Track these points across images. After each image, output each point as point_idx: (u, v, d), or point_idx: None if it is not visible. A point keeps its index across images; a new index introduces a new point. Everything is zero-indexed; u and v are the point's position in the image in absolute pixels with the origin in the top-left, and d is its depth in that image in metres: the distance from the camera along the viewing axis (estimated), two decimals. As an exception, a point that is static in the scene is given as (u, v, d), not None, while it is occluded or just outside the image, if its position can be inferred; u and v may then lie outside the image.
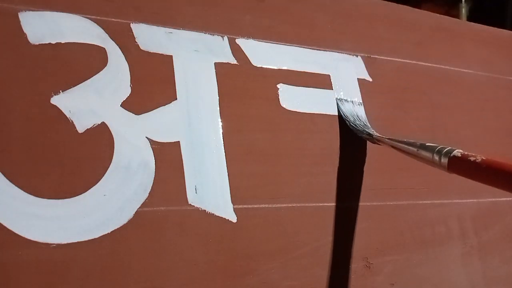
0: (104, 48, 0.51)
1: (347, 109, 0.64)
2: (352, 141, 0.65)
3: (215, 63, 0.57)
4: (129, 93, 0.51)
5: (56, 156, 0.46)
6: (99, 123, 0.49)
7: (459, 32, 0.82)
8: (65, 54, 0.48)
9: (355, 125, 0.63)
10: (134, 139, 0.50)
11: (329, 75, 0.65)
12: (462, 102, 0.77)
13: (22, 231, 0.43)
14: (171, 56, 0.54)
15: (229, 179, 0.54)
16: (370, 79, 0.69)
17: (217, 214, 0.53)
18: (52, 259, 0.44)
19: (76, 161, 0.47)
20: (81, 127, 0.48)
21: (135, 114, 0.51)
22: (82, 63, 0.49)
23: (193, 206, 0.51)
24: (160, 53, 0.54)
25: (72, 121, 0.47)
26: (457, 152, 0.52)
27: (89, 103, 0.48)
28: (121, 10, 0.53)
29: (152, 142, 0.51)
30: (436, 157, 0.53)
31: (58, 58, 0.48)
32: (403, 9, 0.76)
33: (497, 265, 0.73)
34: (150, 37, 0.53)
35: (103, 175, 0.48)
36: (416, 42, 0.76)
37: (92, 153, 0.48)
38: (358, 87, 0.67)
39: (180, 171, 0.52)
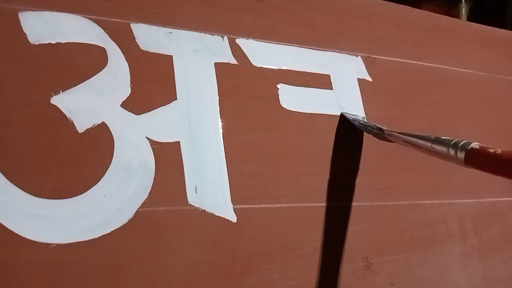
0: (104, 48, 0.51)
1: (353, 117, 0.64)
2: (351, 140, 0.65)
3: (215, 63, 0.57)
4: (129, 93, 0.51)
5: (56, 156, 0.46)
6: (99, 123, 0.49)
7: (459, 32, 0.82)
8: (65, 54, 0.48)
9: (364, 122, 0.63)
10: (134, 139, 0.50)
11: (329, 75, 0.65)
12: (462, 102, 0.77)
13: (22, 231, 0.43)
14: (171, 56, 0.54)
15: (229, 179, 0.54)
16: (370, 79, 0.69)
17: (217, 214, 0.53)
18: (52, 259, 0.44)
19: (76, 161, 0.47)
20: (81, 127, 0.48)
21: (135, 114, 0.51)
22: (82, 63, 0.49)
23: (193, 206, 0.51)
24: (160, 53, 0.54)
25: (72, 121, 0.47)
26: (475, 144, 0.49)
27: (89, 103, 0.48)
28: (121, 10, 0.53)
29: (152, 142, 0.51)
30: (452, 151, 0.51)
31: (58, 58, 0.48)
32: (403, 9, 0.76)
33: (497, 265, 0.73)
34: (150, 37, 0.53)
35: (103, 175, 0.48)
36: (416, 42, 0.76)
37: (92, 153, 0.48)
38: (358, 87, 0.67)
39: (180, 171, 0.52)
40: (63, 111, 0.47)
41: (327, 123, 0.63)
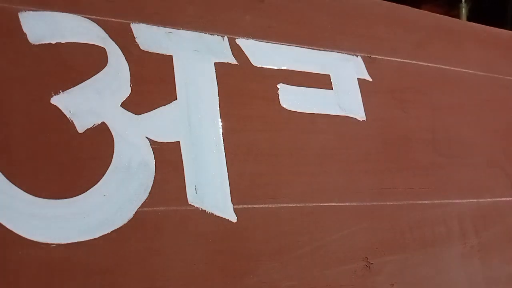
0: (104, 48, 0.51)
1: None
2: (350, 140, 0.65)
3: (215, 63, 0.57)
4: (129, 93, 0.51)
5: (56, 156, 0.46)
6: (99, 123, 0.49)
7: (459, 32, 0.82)
8: (65, 54, 0.48)
9: None
10: (134, 139, 0.50)
11: (329, 75, 0.65)
12: (462, 102, 0.77)
13: (22, 231, 0.43)
14: (171, 56, 0.54)
15: (229, 179, 0.54)
16: (370, 79, 0.69)
17: (217, 214, 0.53)
18: (52, 259, 0.44)
19: (76, 161, 0.47)
20: (81, 127, 0.48)
21: (135, 114, 0.51)
22: (82, 63, 0.49)
23: (193, 206, 0.51)
24: (160, 53, 0.54)
25: (72, 121, 0.47)
26: None
27: (89, 103, 0.48)
28: (121, 10, 0.53)
29: (152, 142, 0.51)
30: None
31: (58, 58, 0.48)
32: (403, 9, 0.76)
33: (497, 265, 0.73)
34: (150, 37, 0.53)
35: (103, 175, 0.48)
36: (416, 42, 0.76)
37: (92, 153, 0.48)
38: (358, 87, 0.67)
39: (180, 171, 0.52)
40: (63, 111, 0.47)
41: (327, 123, 0.63)
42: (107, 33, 0.51)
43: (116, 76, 0.51)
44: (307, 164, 0.60)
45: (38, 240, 0.44)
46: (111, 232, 0.47)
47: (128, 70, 0.51)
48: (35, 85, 0.46)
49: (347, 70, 0.67)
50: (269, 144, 0.58)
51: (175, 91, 0.54)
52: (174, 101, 0.53)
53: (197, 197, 0.52)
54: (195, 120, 0.54)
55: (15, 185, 0.44)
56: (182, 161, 0.52)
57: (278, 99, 0.60)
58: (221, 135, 0.55)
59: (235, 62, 0.58)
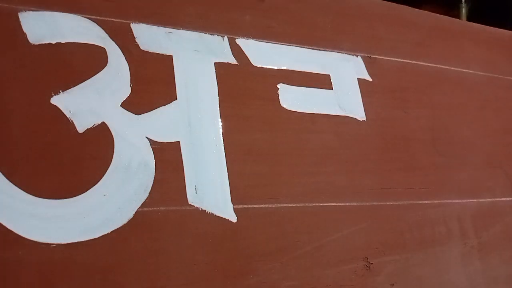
0: (104, 48, 0.51)
1: None
2: (350, 140, 0.65)
3: (215, 63, 0.57)
4: (129, 93, 0.51)
5: (56, 156, 0.46)
6: (99, 123, 0.49)
7: (459, 32, 0.82)
8: (65, 54, 0.48)
9: None
10: (134, 139, 0.50)
11: (329, 75, 0.65)
12: (462, 102, 0.77)
13: (22, 231, 0.43)
14: (171, 56, 0.54)
15: (229, 179, 0.54)
16: (370, 79, 0.69)
17: (217, 214, 0.53)
18: (52, 259, 0.44)
19: (76, 161, 0.47)
20: (81, 127, 0.48)
21: (135, 114, 0.51)
22: (82, 63, 0.49)
23: (193, 206, 0.51)
24: (160, 53, 0.54)
25: (72, 121, 0.47)
26: None
27: (89, 103, 0.48)
28: (121, 10, 0.53)
29: (152, 142, 0.51)
30: None
31: (58, 58, 0.48)
32: (403, 9, 0.76)
33: (497, 265, 0.73)
34: (150, 37, 0.53)
35: (103, 175, 0.48)
36: (416, 42, 0.76)
37: (92, 153, 0.48)
38: (358, 87, 0.67)
39: (180, 171, 0.52)
40: (63, 111, 0.47)
41: (327, 123, 0.63)
42: (107, 33, 0.51)
43: (116, 76, 0.51)
44: (307, 164, 0.60)
45: (38, 240, 0.44)
46: (111, 232, 0.47)
47: (128, 70, 0.51)
48: (35, 85, 0.46)
49: (347, 70, 0.67)
50: (269, 144, 0.58)
51: (175, 91, 0.54)
52: (174, 101, 0.53)
53: (197, 197, 0.52)
54: (195, 120, 0.54)
55: (15, 185, 0.44)
56: (182, 161, 0.52)
57: (278, 99, 0.60)
58: (221, 135, 0.55)
59: (235, 62, 0.58)
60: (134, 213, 0.48)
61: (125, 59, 0.52)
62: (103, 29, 0.51)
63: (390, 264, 0.63)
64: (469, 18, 1.60)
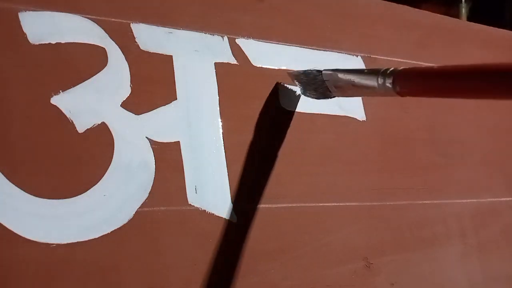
0: (104, 48, 0.51)
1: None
2: (350, 140, 0.65)
3: (215, 63, 0.57)
4: (129, 93, 0.51)
5: (56, 156, 0.46)
6: (99, 123, 0.49)
7: (459, 32, 0.82)
8: (65, 54, 0.48)
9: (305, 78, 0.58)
10: (134, 139, 0.50)
11: (329, 75, 0.65)
12: (462, 102, 0.77)
13: (22, 231, 0.43)
14: (171, 56, 0.54)
15: (229, 179, 0.54)
16: (370, 79, 0.68)
17: (217, 214, 0.53)
18: (52, 259, 0.44)
19: (76, 161, 0.47)
20: (81, 127, 0.48)
21: (135, 114, 0.51)
22: (82, 63, 0.49)
23: (193, 206, 0.51)
24: (160, 53, 0.54)
25: (72, 121, 0.47)
26: (402, 69, 0.46)
27: (89, 103, 0.48)
28: (121, 10, 0.53)
29: (152, 142, 0.51)
30: (381, 79, 0.47)
31: (58, 58, 0.48)
32: (403, 9, 0.76)
33: (496, 265, 0.73)
34: (150, 37, 0.53)
35: (103, 175, 0.48)
36: (416, 42, 0.76)
37: (92, 153, 0.48)
38: (358, 87, 0.67)
39: (180, 171, 0.52)
40: (63, 111, 0.47)
41: (327, 123, 0.63)
42: (107, 33, 0.51)
43: (116, 76, 0.51)
44: (307, 164, 0.60)
45: (38, 240, 0.44)
46: (111, 232, 0.47)
47: (128, 70, 0.51)
48: (35, 85, 0.46)
49: (347, 70, 0.67)
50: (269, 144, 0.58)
51: (175, 91, 0.54)
52: (174, 101, 0.53)
53: (197, 197, 0.52)
54: (195, 120, 0.54)
55: (15, 185, 0.44)
56: (182, 161, 0.52)
57: (278, 99, 0.60)
58: (221, 135, 0.55)
59: (235, 62, 0.58)
60: (134, 213, 0.48)
61: (125, 59, 0.52)
62: (103, 29, 0.51)
63: (390, 264, 0.63)
64: (469, 18, 1.61)
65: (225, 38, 0.58)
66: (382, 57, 0.71)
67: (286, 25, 0.64)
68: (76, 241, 0.45)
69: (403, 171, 0.68)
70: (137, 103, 0.51)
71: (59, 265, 0.44)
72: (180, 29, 0.56)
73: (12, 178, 0.44)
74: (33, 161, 0.45)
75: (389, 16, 0.74)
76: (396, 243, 0.65)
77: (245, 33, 0.60)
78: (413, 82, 0.47)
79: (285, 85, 0.59)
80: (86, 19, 0.51)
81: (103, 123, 0.49)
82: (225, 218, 0.53)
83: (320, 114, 0.63)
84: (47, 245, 0.44)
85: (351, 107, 0.65)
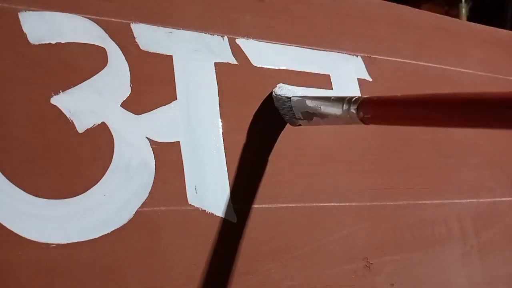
0: (104, 48, 0.51)
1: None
2: (350, 140, 0.65)
3: (215, 63, 0.57)
4: (129, 93, 0.51)
5: (56, 156, 0.46)
6: (99, 123, 0.49)
7: (459, 32, 0.82)
8: (65, 54, 0.48)
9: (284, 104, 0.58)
10: (134, 139, 0.50)
11: (329, 75, 0.65)
12: (462, 102, 0.77)
13: (22, 231, 0.43)
14: (171, 56, 0.54)
15: (229, 179, 0.54)
16: (370, 79, 0.69)
17: (217, 214, 0.53)
18: (52, 259, 0.44)
19: (76, 161, 0.47)
20: (81, 127, 0.48)
21: (135, 114, 0.51)
22: (82, 63, 0.49)
23: (193, 206, 0.51)
24: (160, 53, 0.54)
25: (72, 121, 0.47)
26: (367, 96, 0.47)
27: (89, 103, 0.48)
28: (121, 10, 0.53)
29: (152, 142, 0.51)
30: (346, 106, 0.49)
31: (58, 58, 0.48)
32: (403, 9, 0.76)
33: (497, 265, 0.73)
34: (150, 37, 0.53)
35: (103, 175, 0.48)
36: (416, 42, 0.76)
37: (92, 153, 0.48)
38: (358, 87, 0.67)
39: (180, 171, 0.52)
40: (63, 111, 0.47)
41: (327, 123, 0.63)
42: (107, 33, 0.51)
43: (116, 76, 0.51)
44: (307, 164, 0.60)
45: (38, 240, 0.44)
46: (111, 232, 0.47)
47: (128, 70, 0.51)
48: (35, 85, 0.46)
49: (347, 70, 0.67)
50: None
51: (175, 91, 0.54)
52: (174, 101, 0.53)
53: (197, 197, 0.52)
54: (195, 120, 0.54)
55: (15, 185, 0.44)
56: (182, 161, 0.52)
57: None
58: (221, 135, 0.55)
59: (235, 62, 0.58)
60: (134, 213, 0.48)
61: (125, 59, 0.52)
62: (103, 29, 0.51)
63: (390, 264, 0.63)
64: (469, 18, 1.61)
65: (225, 38, 0.59)
66: (382, 57, 0.71)
67: (286, 25, 0.64)
68: (76, 241, 0.45)
69: (403, 171, 0.68)
70: (137, 103, 0.51)
71: (59, 265, 0.44)
72: (180, 29, 0.56)
73: (12, 178, 0.44)
74: (33, 161, 0.45)
75: (389, 16, 0.74)
76: (396, 243, 0.65)
77: (245, 33, 0.60)
78: (377, 109, 0.48)
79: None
80: (86, 19, 0.51)
81: (103, 123, 0.49)
82: (225, 218, 0.53)
83: (320, 114, 0.63)
84: (47, 245, 0.44)
85: (351, 107, 0.65)
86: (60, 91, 0.47)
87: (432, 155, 0.71)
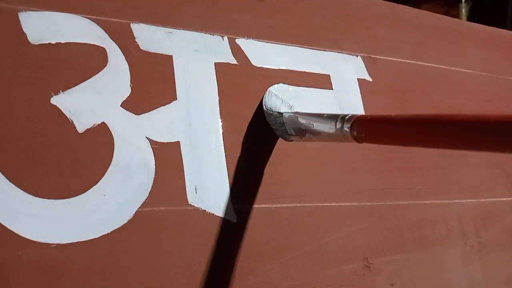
0: (104, 48, 0.51)
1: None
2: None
3: (215, 63, 0.57)
4: (129, 93, 0.51)
5: (56, 156, 0.46)
6: (99, 123, 0.49)
7: (459, 32, 0.82)
8: (65, 54, 0.48)
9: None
10: (134, 139, 0.50)
11: (329, 75, 0.65)
12: (462, 102, 0.77)
13: (22, 231, 0.43)
14: (171, 56, 0.54)
15: (229, 179, 0.54)
16: (370, 79, 0.69)
17: (217, 214, 0.53)
18: (52, 259, 0.44)
19: (76, 161, 0.47)
20: (81, 127, 0.48)
21: (135, 114, 0.51)
22: (82, 63, 0.49)
23: (193, 206, 0.51)
24: (160, 53, 0.54)
25: (72, 121, 0.47)
26: (360, 115, 0.47)
27: (89, 103, 0.48)
28: (121, 10, 0.53)
29: (152, 142, 0.51)
30: (339, 124, 0.48)
31: (58, 58, 0.48)
32: (403, 9, 0.76)
33: (497, 265, 0.73)
34: (150, 37, 0.53)
35: (103, 175, 0.48)
36: (416, 42, 0.76)
37: (92, 153, 0.48)
38: (358, 87, 0.67)
39: (180, 171, 0.52)
40: (63, 111, 0.47)
41: (327, 123, 0.63)
42: (107, 33, 0.51)
43: (116, 76, 0.51)
44: (307, 164, 0.60)
45: (38, 240, 0.44)
46: (111, 232, 0.47)
47: (128, 70, 0.51)
48: (35, 85, 0.46)
49: (347, 70, 0.67)
50: (269, 144, 0.58)
51: (175, 91, 0.54)
52: (174, 101, 0.53)
53: (197, 197, 0.52)
54: (195, 120, 0.54)
55: (15, 185, 0.44)
56: (182, 161, 0.52)
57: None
58: (221, 135, 0.55)
59: (235, 62, 0.58)
60: (134, 213, 0.48)
61: (125, 59, 0.52)
62: (103, 29, 0.51)
63: (390, 264, 0.63)
64: (469, 18, 1.61)
65: (225, 38, 0.59)
66: (382, 57, 0.71)
67: (286, 25, 0.64)
68: (76, 241, 0.45)
69: (403, 171, 0.68)
70: (137, 103, 0.51)
71: (59, 265, 0.44)
72: (180, 29, 0.56)
73: (12, 178, 0.44)
74: (33, 161, 0.45)
75: (389, 16, 0.74)
76: (396, 243, 0.65)
77: (245, 33, 0.60)
78: (370, 128, 0.47)
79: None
80: (86, 19, 0.51)
81: (103, 123, 0.49)
82: (225, 218, 0.53)
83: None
84: (47, 245, 0.44)
85: (351, 107, 0.65)
86: (60, 91, 0.47)
87: (432, 155, 0.71)
